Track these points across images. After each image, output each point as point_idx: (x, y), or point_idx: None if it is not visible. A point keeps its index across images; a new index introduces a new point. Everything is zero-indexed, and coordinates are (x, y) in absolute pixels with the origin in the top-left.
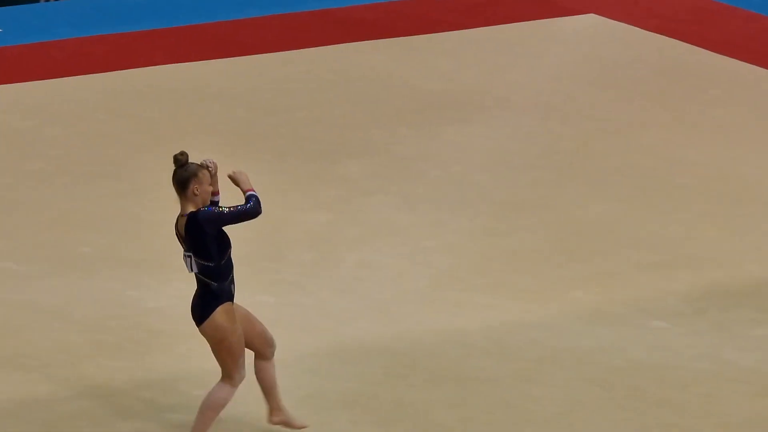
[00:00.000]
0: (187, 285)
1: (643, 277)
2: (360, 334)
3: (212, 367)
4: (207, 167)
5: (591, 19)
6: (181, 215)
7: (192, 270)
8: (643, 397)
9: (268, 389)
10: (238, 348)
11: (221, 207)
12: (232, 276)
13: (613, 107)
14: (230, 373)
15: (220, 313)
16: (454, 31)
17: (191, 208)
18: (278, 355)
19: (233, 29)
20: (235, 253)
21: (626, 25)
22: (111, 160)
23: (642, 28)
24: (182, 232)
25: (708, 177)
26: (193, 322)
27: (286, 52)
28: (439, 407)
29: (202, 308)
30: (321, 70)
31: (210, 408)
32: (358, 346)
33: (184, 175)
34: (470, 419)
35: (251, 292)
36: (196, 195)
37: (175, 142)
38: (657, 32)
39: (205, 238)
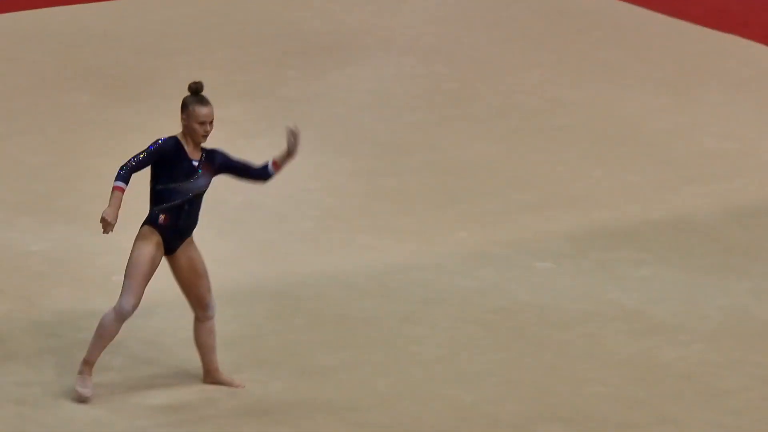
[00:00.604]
0: (69, 228)
1: (526, 218)
2: (243, 276)
3: (95, 310)
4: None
5: None
6: None
7: None
8: (526, 337)
9: (201, 351)
10: (134, 271)
11: (152, 147)
12: (177, 212)
13: (495, 49)
14: (120, 296)
15: (141, 228)
16: None
17: (181, 137)
18: (159, 298)
19: None
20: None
21: None
22: None
23: None
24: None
25: (590, 117)
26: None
27: None
28: (323, 349)
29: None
30: (205, 13)
31: (95, 333)
32: (240, 288)
33: (183, 102)
34: (353, 361)
35: (132, 234)
36: (184, 125)
37: (58, 86)
38: None
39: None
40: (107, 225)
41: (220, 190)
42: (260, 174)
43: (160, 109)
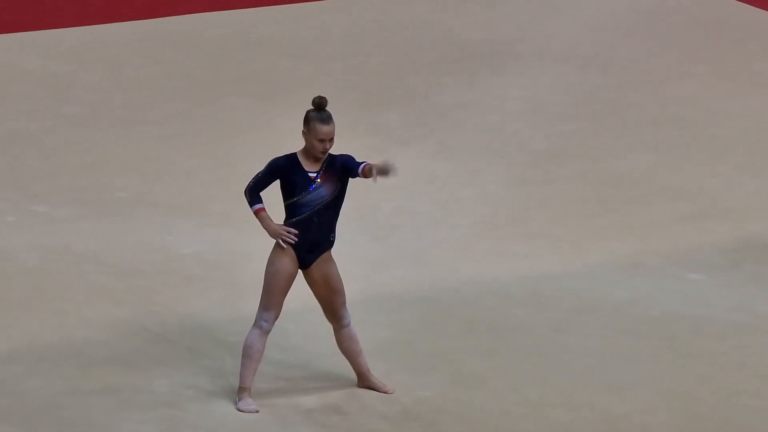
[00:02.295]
0: (222, 231)
1: (679, 229)
2: (395, 282)
3: (246, 314)
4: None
5: None
6: None
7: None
8: (678, 348)
9: (348, 357)
10: (270, 287)
11: (270, 167)
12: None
13: (650, 58)
14: (258, 312)
15: (274, 247)
16: None
17: (302, 150)
18: (309, 304)
19: None
20: (270, 201)
21: None
22: (148, 106)
23: None
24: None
25: (746, 129)
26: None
27: (327, 1)
28: (474, 356)
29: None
30: (361, 19)
31: (243, 354)
32: (393, 294)
33: (305, 116)
34: (505, 368)
35: None
36: (304, 138)
37: (212, 90)
38: None
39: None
40: (286, 235)
41: (374, 196)
42: (355, 172)
43: None
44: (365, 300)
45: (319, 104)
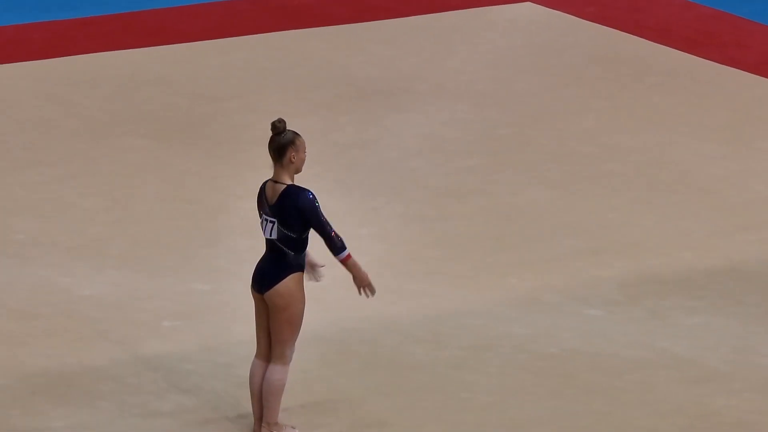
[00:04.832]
0: (120, 272)
1: (577, 264)
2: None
3: (146, 355)
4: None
5: (527, 7)
6: (273, 181)
7: (270, 236)
8: (577, 384)
9: (258, 395)
10: (298, 320)
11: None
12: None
13: (548, 94)
14: (283, 349)
15: (293, 279)
16: (393, 19)
17: (286, 176)
18: (211, 342)
19: (172, 17)
20: (169, 241)
21: (562, 13)
22: (46, 147)
23: (578, 16)
24: (272, 198)
25: (643, 164)
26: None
27: (225, 39)
28: (373, 395)
29: (275, 273)
30: (259, 58)
31: (271, 393)
32: None
33: (282, 142)
34: (404, 408)
35: (185, 279)
36: (292, 162)
37: (110, 130)
38: (593, 20)
39: (296, 213)
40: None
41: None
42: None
43: (214, 154)
44: None
45: (284, 127)
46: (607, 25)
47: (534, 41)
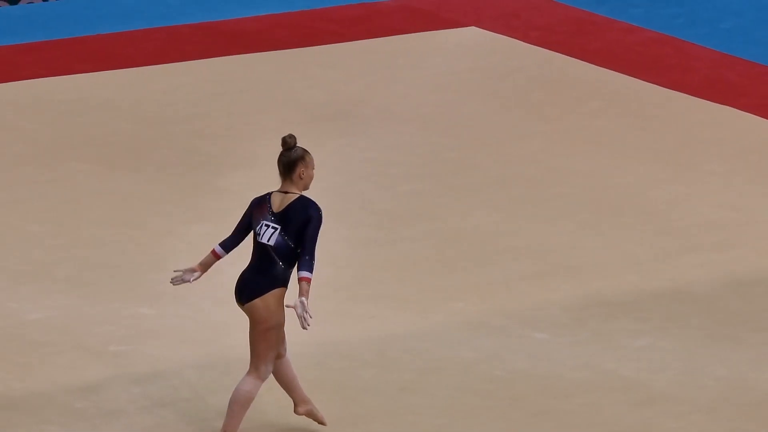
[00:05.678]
0: (67, 296)
1: (524, 287)
2: (240, 346)
3: (94, 380)
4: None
5: (472, 31)
6: (282, 191)
7: (268, 241)
8: (525, 407)
9: (288, 384)
10: (276, 338)
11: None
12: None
13: (494, 118)
14: (258, 364)
15: (275, 295)
16: (339, 44)
17: (295, 190)
18: (156, 368)
19: (118, 42)
20: (115, 265)
21: (507, 37)
22: None
23: (522, 41)
24: (279, 205)
25: (588, 187)
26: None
27: (171, 64)
28: None
29: (259, 285)
30: (205, 82)
31: (236, 402)
32: (238, 358)
33: (292, 157)
34: (352, 430)
35: (131, 303)
36: (301, 179)
37: (56, 155)
38: (537, 44)
39: (301, 222)
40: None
41: (221, 260)
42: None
43: (159, 178)
44: (210, 364)
45: (294, 142)
46: (551, 49)
47: (479, 65)
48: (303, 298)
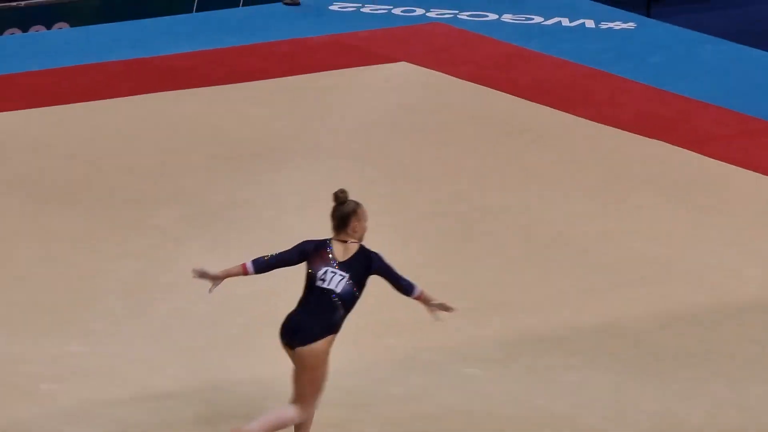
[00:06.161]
0: None
1: (454, 323)
2: (171, 383)
3: (22, 418)
4: None
5: (402, 66)
6: (341, 240)
7: (336, 288)
8: None
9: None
10: (322, 383)
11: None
12: None
13: (424, 153)
14: (304, 406)
15: (329, 341)
16: (268, 80)
17: (352, 240)
18: (88, 405)
19: (48, 79)
20: (45, 303)
21: (437, 72)
22: None
23: (453, 75)
24: (343, 255)
25: (518, 222)
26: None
27: (101, 101)
28: None
29: (314, 330)
30: (134, 119)
31: (274, 420)
32: (168, 394)
33: (345, 211)
34: None
35: (61, 341)
36: (355, 232)
37: None
38: (468, 79)
39: (368, 273)
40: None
41: (150, 295)
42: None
43: (89, 215)
44: (140, 401)
45: (345, 197)
46: (481, 84)
47: (409, 100)
48: (436, 302)
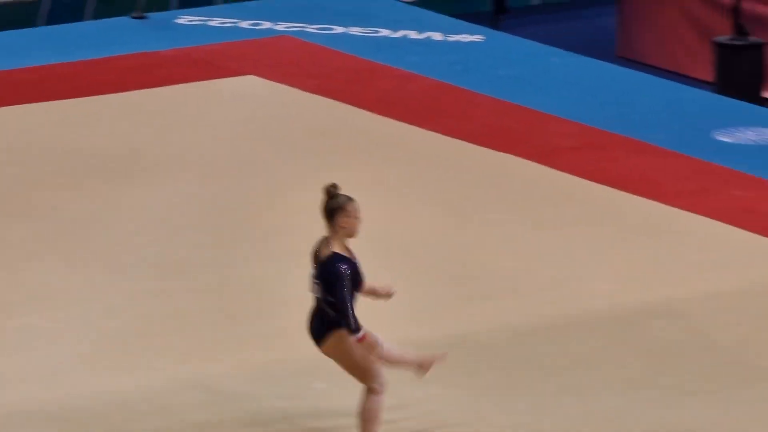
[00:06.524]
0: None
1: (303, 337)
2: (21, 401)
3: None
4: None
5: (250, 80)
6: (326, 243)
7: (317, 294)
8: None
9: (396, 363)
10: (361, 362)
11: (348, 271)
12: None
13: (274, 167)
14: (367, 384)
15: (336, 337)
16: (117, 93)
17: (336, 240)
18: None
19: None
20: None
21: (285, 86)
22: None
23: (301, 89)
24: (317, 259)
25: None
26: None
27: None
28: None
29: (320, 330)
30: None
31: (367, 420)
32: (19, 412)
33: (333, 206)
34: None
35: None
36: (343, 228)
37: None
38: (316, 92)
39: (333, 280)
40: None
41: (1, 314)
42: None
43: None
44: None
45: (336, 191)
46: (329, 97)
47: (258, 114)
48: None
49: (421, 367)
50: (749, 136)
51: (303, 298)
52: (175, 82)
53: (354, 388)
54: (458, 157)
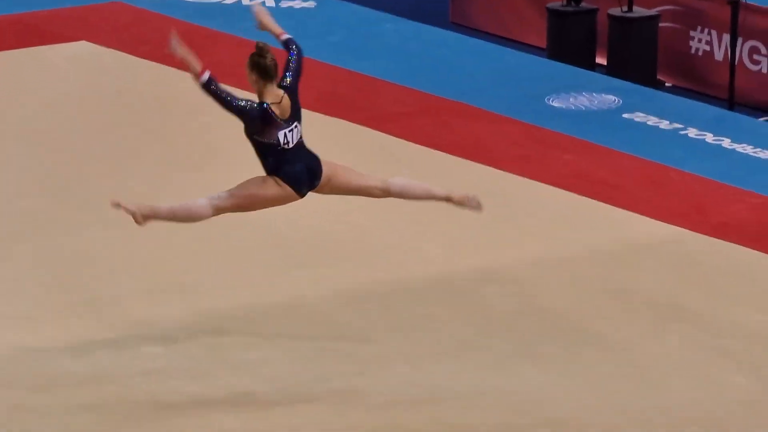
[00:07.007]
0: None
1: (137, 303)
2: None
3: None
4: None
5: (83, 46)
6: (273, 101)
7: (300, 137)
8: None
9: (422, 197)
10: (245, 199)
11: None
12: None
13: (106, 135)
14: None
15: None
16: None
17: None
18: None
19: None
20: None
21: (118, 51)
22: None
23: (134, 55)
24: (285, 110)
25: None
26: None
27: None
28: None
29: (317, 160)
30: None
31: (182, 209)
32: None
33: (275, 61)
34: None
35: None
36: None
37: None
38: (148, 59)
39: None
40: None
41: None
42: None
43: None
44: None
45: (266, 46)
46: (163, 64)
47: (91, 81)
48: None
49: (450, 199)
50: (581, 101)
51: (134, 265)
52: (6, 49)
53: (188, 352)
54: None
